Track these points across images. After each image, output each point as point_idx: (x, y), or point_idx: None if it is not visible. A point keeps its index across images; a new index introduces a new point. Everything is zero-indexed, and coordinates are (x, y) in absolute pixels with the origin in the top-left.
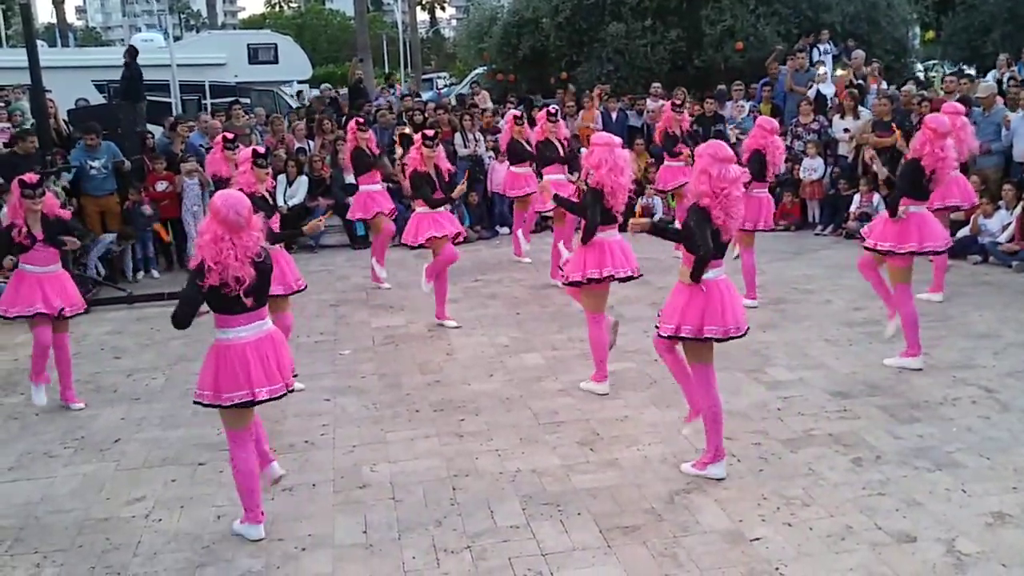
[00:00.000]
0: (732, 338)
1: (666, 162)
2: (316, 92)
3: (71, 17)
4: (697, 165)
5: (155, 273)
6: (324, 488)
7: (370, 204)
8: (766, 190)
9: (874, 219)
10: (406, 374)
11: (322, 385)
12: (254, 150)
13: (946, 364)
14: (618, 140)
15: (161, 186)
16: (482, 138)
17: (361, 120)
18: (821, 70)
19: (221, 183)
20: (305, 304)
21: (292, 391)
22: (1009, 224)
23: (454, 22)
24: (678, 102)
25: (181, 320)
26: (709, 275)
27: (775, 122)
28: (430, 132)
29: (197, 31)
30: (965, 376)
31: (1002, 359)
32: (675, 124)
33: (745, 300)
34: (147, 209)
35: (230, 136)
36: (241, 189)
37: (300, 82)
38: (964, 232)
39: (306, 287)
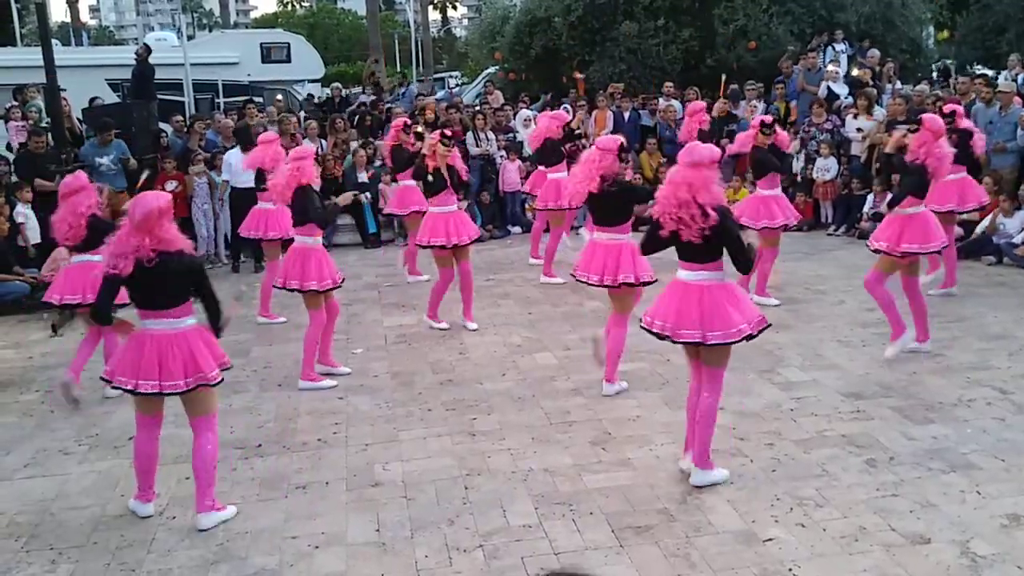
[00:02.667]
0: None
1: None
2: (328, 92)
3: (84, 16)
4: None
5: None
6: (337, 486)
7: (406, 200)
8: (777, 189)
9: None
10: (419, 373)
11: (334, 384)
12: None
13: (961, 365)
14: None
15: (171, 185)
16: (494, 137)
17: (407, 121)
18: (831, 67)
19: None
20: None
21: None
22: None
23: (466, 21)
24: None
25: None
26: (687, 276)
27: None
28: (448, 132)
29: (210, 30)
30: (980, 377)
31: (1017, 360)
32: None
33: (756, 296)
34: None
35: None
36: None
37: (311, 81)
38: (979, 231)
39: (342, 281)
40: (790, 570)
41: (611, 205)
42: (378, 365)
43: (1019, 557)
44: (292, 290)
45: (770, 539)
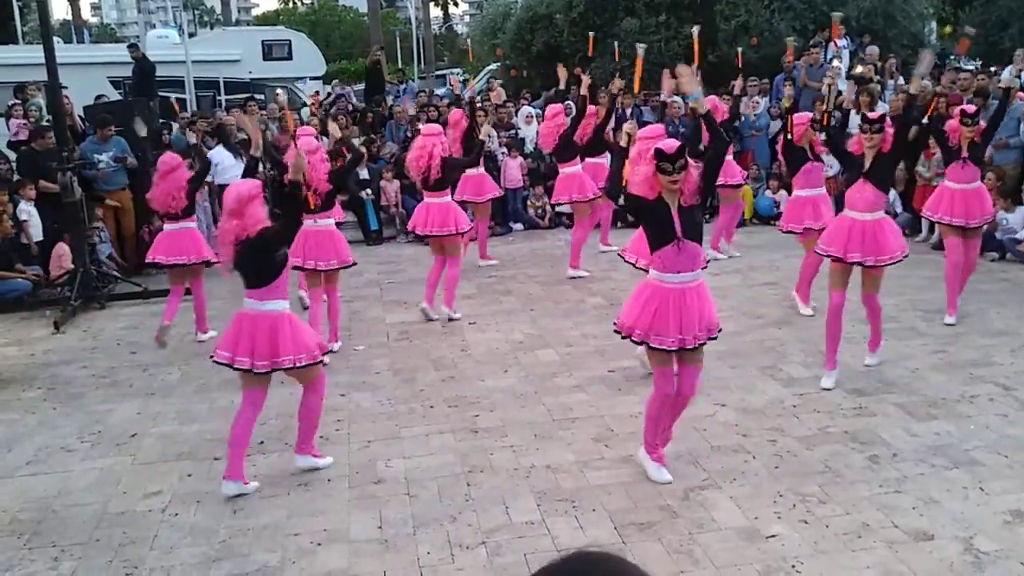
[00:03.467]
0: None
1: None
2: (330, 89)
3: (86, 14)
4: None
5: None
6: (339, 483)
7: (481, 188)
8: (821, 189)
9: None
10: (420, 370)
11: (336, 381)
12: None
13: (963, 361)
14: None
15: None
16: (495, 134)
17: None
18: (835, 63)
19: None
20: None
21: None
22: None
23: (467, 18)
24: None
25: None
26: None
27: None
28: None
29: (211, 27)
30: (982, 373)
31: (1020, 356)
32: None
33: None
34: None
35: None
36: None
37: (313, 78)
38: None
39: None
40: (793, 567)
41: None
42: (380, 362)
43: (1022, 553)
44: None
45: (773, 536)
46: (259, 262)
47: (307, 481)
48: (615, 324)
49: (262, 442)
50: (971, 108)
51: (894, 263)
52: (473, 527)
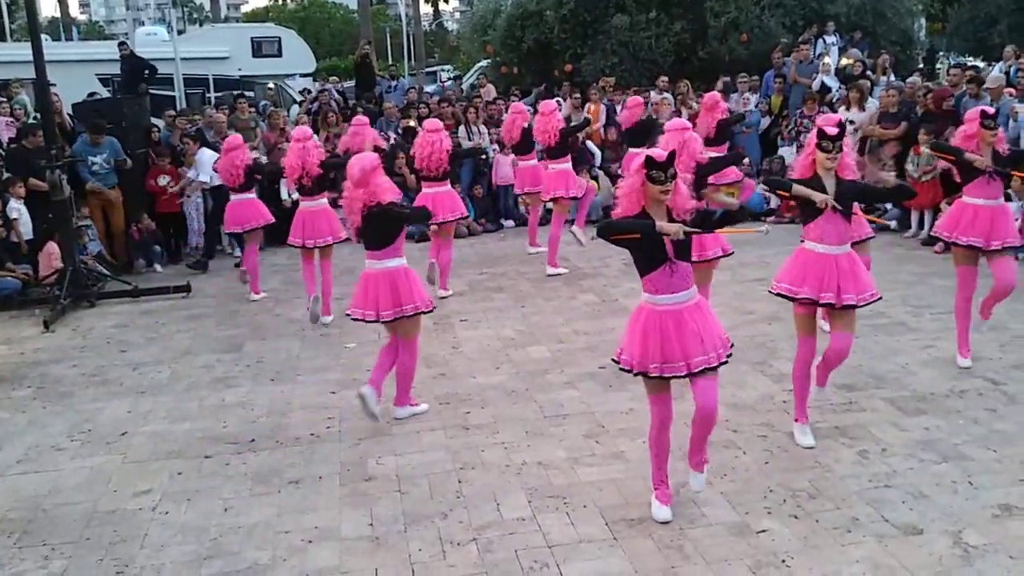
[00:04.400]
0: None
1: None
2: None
3: (74, 11)
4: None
5: (158, 267)
6: (330, 481)
7: (536, 181)
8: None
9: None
10: None
11: (328, 378)
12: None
13: (953, 356)
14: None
15: (163, 180)
16: (486, 131)
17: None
18: (825, 60)
19: None
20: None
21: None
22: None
23: (457, 15)
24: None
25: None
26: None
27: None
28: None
29: (200, 25)
30: (972, 368)
31: (1009, 351)
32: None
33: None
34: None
35: None
36: None
37: (303, 75)
38: None
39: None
40: (783, 561)
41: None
42: (371, 359)
43: (1011, 547)
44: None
45: (763, 531)
46: (383, 227)
47: (298, 479)
48: (618, 359)
49: (253, 440)
50: (991, 109)
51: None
52: (464, 524)
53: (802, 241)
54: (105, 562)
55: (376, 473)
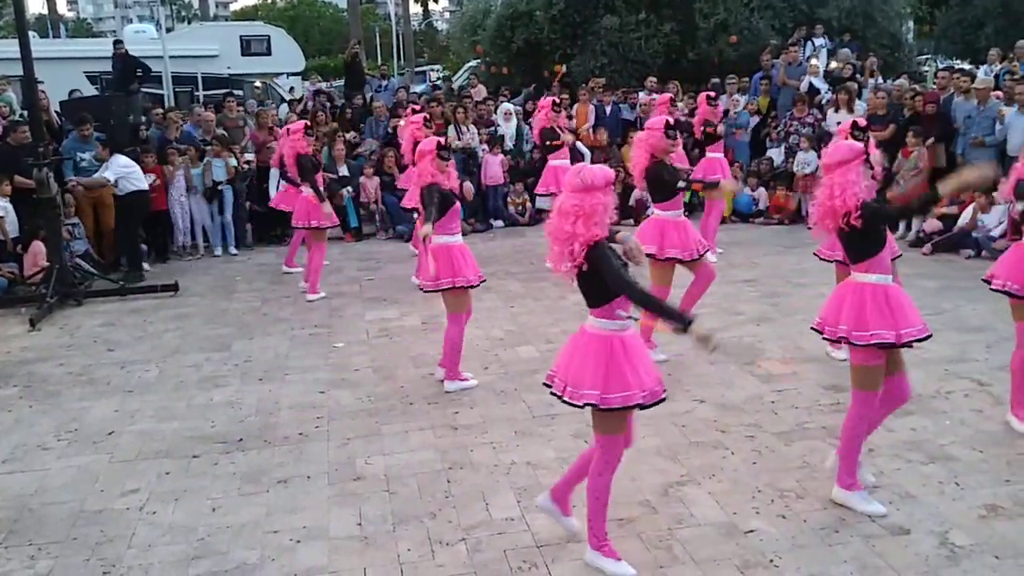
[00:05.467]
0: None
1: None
2: (308, 85)
3: (62, 8)
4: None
5: (146, 266)
6: (319, 480)
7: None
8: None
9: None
10: (400, 367)
11: (316, 378)
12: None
13: (939, 358)
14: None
15: (149, 179)
16: (475, 131)
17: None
18: (813, 62)
19: None
20: (298, 296)
21: None
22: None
23: (447, 15)
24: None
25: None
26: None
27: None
28: (443, 140)
29: (189, 23)
30: (958, 369)
31: (995, 352)
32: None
33: None
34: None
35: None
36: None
37: (292, 75)
38: (960, 225)
39: None
40: (771, 561)
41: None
42: (360, 359)
43: (997, 547)
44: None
45: (751, 531)
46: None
47: (286, 478)
48: (560, 392)
49: (240, 439)
50: (862, 120)
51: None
52: (453, 524)
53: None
54: (92, 562)
55: (365, 473)
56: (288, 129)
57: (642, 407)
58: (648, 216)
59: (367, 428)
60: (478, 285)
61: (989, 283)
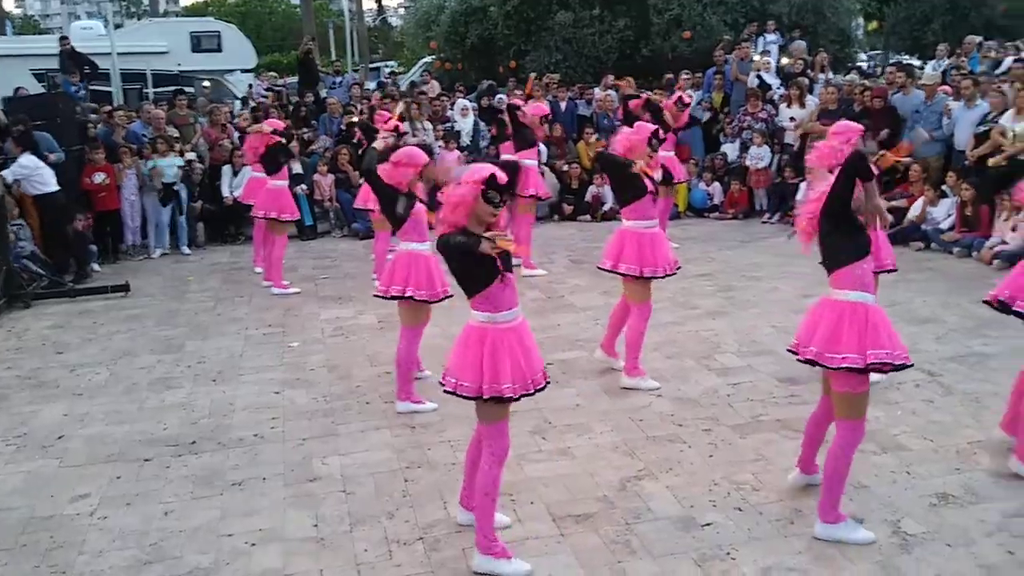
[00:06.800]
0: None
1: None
2: (258, 82)
3: (9, 5)
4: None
5: (96, 266)
6: (274, 482)
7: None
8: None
9: None
10: (356, 366)
11: (271, 378)
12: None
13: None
14: None
15: (99, 178)
16: (431, 127)
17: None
18: (762, 58)
19: None
20: (253, 295)
21: None
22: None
23: (401, 10)
24: None
25: None
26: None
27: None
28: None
29: (138, 18)
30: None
31: (945, 343)
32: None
33: None
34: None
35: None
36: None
37: (244, 71)
38: (910, 218)
39: None
40: (728, 554)
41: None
42: (315, 358)
43: (948, 535)
44: None
45: (708, 524)
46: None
47: (241, 480)
48: (450, 385)
49: (193, 442)
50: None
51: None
52: (411, 523)
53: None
54: (42, 569)
55: (321, 473)
56: (264, 126)
57: (514, 399)
58: (605, 212)
59: (323, 428)
60: (441, 300)
61: (997, 304)
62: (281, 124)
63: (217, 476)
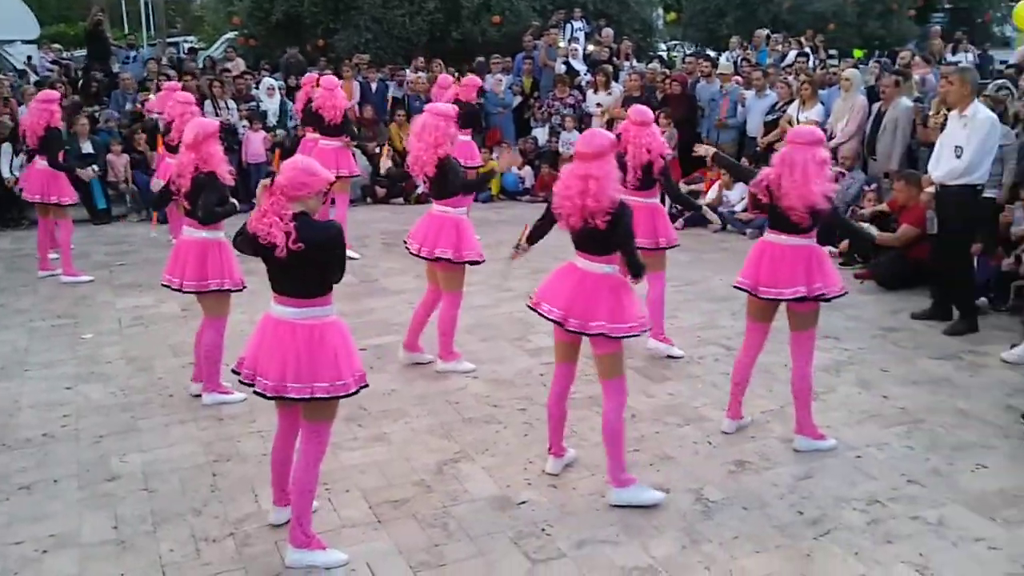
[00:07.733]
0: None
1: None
2: (44, 56)
3: None
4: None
5: None
6: (67, 484)
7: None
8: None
9: None
10: (158, 357)
11: (62, 372)
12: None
13: (691, 326)
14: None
15: None
16: (235, 106)
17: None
18: (570, 45)
19: None
20: (40, 285)
21: None
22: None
23: None
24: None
25: None
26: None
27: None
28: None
29: None
30: (708, 336)
31: (740, 319)
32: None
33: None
34: None
35: None
36: None
37: (26, 42)
38: (705, 202)
39: None
40: (543, 530)
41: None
42: (111, 350)
43: (744, 499)
44: None
45: (524, 502)
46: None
47: (29, 484)
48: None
49: None
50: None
51: None
52: (220, 519)
53: None
54: None
55: (120, 472)
56: (41, 98)
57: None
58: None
59: (122, 424)
60: (241, 289)
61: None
62: (55, 94)
63: (2, 480)
